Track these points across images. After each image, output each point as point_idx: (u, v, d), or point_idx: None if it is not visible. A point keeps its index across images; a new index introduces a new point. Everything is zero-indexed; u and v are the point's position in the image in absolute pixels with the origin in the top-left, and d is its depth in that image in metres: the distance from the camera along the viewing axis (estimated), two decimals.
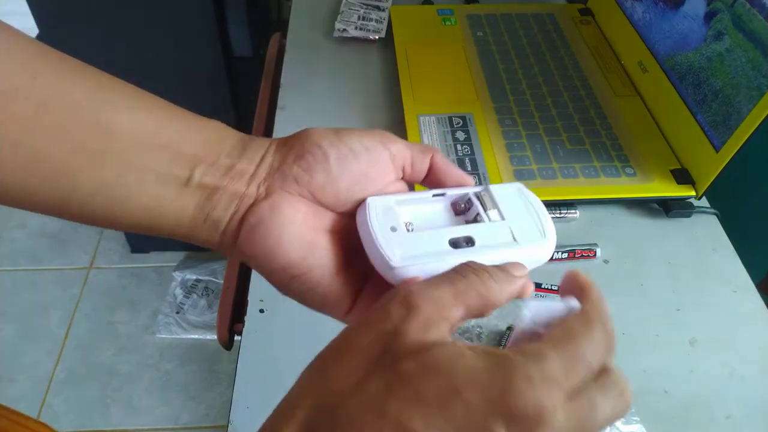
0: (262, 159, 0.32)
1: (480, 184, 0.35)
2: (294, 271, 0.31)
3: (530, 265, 0.32)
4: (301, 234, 0.31)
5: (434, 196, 0.34)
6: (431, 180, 0.34)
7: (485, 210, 0.33)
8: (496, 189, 0.34)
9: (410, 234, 0.32)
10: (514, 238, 0.32)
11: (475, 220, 0.33)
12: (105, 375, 1.41)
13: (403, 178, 0.34)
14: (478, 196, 0.34)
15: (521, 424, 0.21)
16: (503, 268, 0.29)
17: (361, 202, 0.33)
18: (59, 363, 1.43)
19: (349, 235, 0.33)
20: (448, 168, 0.34)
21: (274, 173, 0.32)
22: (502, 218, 0.33)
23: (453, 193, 0.34)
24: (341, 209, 0.33)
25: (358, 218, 0.32)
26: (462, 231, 0.32)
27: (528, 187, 0.64)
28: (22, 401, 1.37)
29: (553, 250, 0.33)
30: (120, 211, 0.31)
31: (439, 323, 0.25)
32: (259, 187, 0.31)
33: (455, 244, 0.31)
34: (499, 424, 0.21)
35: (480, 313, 0.27)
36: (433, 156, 0.34)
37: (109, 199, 0.30)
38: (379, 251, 0.30)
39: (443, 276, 0.27)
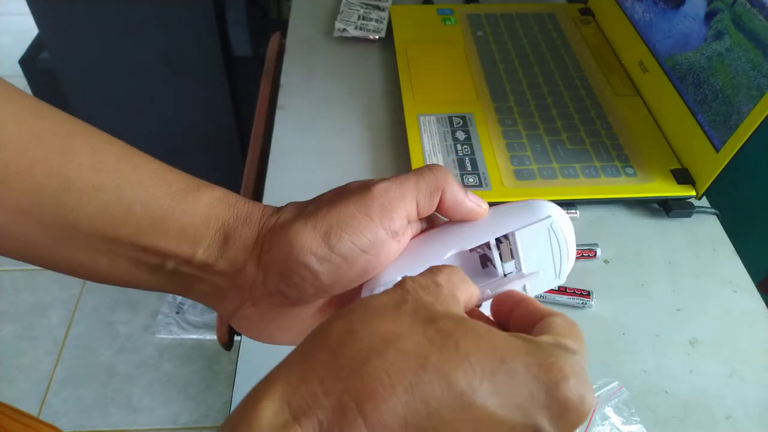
0: (245, 264, 0.29)
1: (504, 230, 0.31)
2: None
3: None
4: (293, 332, 0.30)
5: (448, 258, 0.31)
6: (440, 212, 0.32)
7: (502, 261, 0.31)
8: (522, 234, 0.31)
9: None
10: (525, 289, 0.31)
11: (492, 264, 0.31)
12: (105, 375, 1.41)
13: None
14: (499, 244, 0.31)
15: (566, 413, 0.21)
16: None
17: (364, 289, 0.30)
18: (59, 363, 1.43)
19: (346, 298, 0.31)
20: (458, 206, 0.30)
21: (259, 285, 0.29)
22: (519, 269, 0.31)
23: (471, 246, 0.31)
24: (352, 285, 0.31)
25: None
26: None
27: (528, 187, 0.64)
28: (21, 401, 1.36)
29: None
30: (98, 280, 0.30)
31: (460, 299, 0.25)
32: (244, 291, 0.29)
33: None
34: (543, 408, 0.21)
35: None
36: (442, 194, 0.30)
37: (84, 272, 0.29)
38: None
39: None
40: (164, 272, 0.29)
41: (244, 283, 0.29)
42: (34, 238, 0.27)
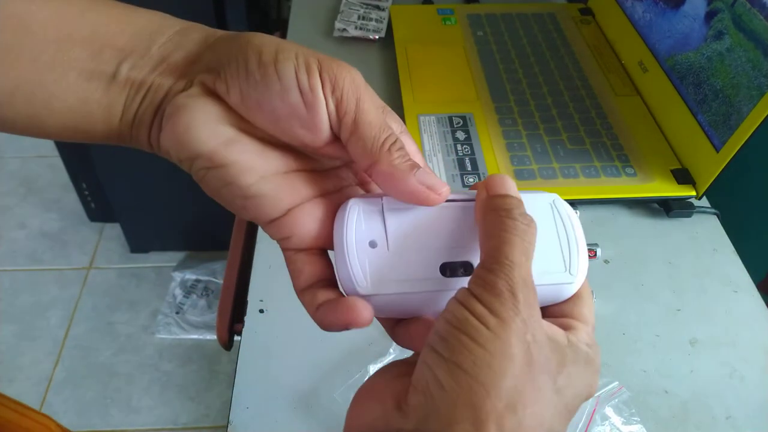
0: (200, 54, 0.28)
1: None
2: (206, 163, 0.27)
3: (541, 303, 0.26)
4: (214, 126, 0.27)
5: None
6: (372, 176, 0.27)
7: None
8: (524, 198, 0.27)
9: (393, 252, 0.26)
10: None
11: None
12: (104, 375, 1.41)
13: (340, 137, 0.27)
14: None
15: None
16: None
17: (343, 203, 0.27)
18: (59, 363, 1.43)
19: (293, 149, 0.28)
20: (395, 178, 0.26)
21: (202, 69, 0.28)
22: None
23: (466, 198, 0.28)
24: (275, 135, 0.28)
25: (335, 222, 0.27)
26: (460, 253, 0.26)
27: (528, 186, 0.64)
28: (21, 401, 1.36)
29: (578, 289, 0.28)
30: (44, 114, 0.28)
31: None
32: (186, 82, 0.28)
33: (448, 270, 0.26)
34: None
35: None
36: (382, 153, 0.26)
37: (30, 101, 0.27)
38: (348, 271, 0.25)
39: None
40: (117, 83, 0.28)
41: (192, 70, 0.28)
42: None
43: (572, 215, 0.28)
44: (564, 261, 0.27)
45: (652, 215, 0.64)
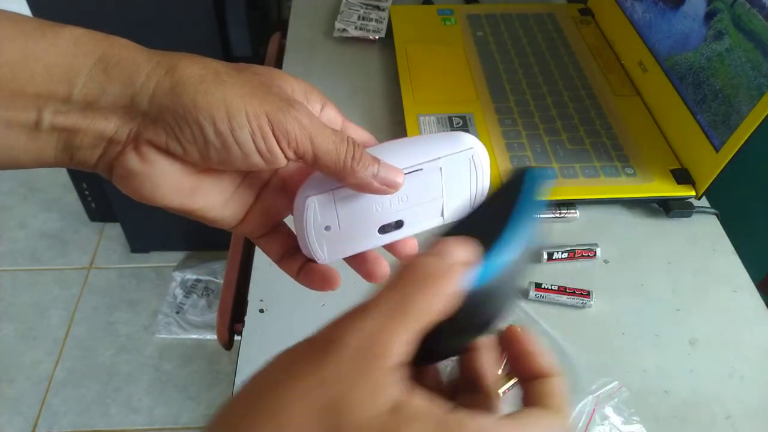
0: (133, 99, 0.26)
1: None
2: (175, 210, 0.30)
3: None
4: (178, 184, 0.28)
5: None
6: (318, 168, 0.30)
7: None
8: (447, 161, 0.32)
9: (344, 229, 0.32)
10: (442, 214, 0.33)
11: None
12: (105, 375, 1.41)
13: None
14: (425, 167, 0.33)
15: None
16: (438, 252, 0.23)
17: (299, 197, 0.32)
18: (59, 363, 1.43)
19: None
20: (361, 187, 0.30)
21: (147, 123, 0.26)
22: (441, 194, 0.33)
23: (404, 169, 0.32)
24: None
25: (295, 213, 0.32)
26: (393, 215, 0.33)
27: None
28: (22, 401, 1.37)
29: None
30: None
31: (385, 372, 0.21)
32: (129, 132, 0.27)
33: (385, 228, 0.33)
34: None
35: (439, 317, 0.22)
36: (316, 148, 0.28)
37: None
38: (309, 250, 0.32)
39: (375, 301, 0.22)
40: (42, 131, 0.26)
41: (130, 117, 0.27)
42: None
43: (485, 163, 0.33)
44: (471, 200, 0.34)
45: (651, 215, 0.64)
